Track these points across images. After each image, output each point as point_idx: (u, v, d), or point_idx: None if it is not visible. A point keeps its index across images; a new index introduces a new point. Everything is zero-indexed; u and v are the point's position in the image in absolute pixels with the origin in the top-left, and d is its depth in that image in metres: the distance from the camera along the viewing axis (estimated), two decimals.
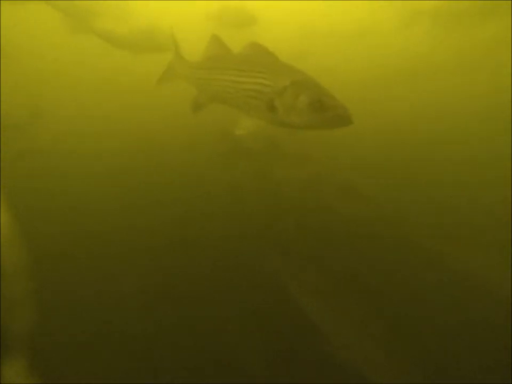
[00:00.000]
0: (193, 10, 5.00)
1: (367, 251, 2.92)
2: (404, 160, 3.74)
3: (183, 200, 3.31)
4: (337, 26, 5.51)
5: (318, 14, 5.62)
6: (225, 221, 3.12)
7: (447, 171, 3.63)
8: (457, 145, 3.93)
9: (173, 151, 3.76)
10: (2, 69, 4.09)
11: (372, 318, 2.45)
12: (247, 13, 5.04)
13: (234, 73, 1.96)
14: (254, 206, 3.27)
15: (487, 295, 2.56)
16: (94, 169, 3.57)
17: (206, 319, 2.48)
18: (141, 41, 3.71)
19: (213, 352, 2.32)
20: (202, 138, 3.80)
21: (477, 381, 2.10)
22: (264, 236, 3.02)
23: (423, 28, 4.91)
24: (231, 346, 2.37)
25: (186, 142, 3.82)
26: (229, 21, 4.89)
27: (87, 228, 3.05)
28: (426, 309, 2.51)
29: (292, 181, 3.50)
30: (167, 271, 2.76)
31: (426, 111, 4.54)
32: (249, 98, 1.88)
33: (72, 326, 2.32)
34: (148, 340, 2.39)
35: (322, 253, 2.87)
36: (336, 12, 5.54)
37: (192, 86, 2.27)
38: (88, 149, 3.80)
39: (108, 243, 2.92)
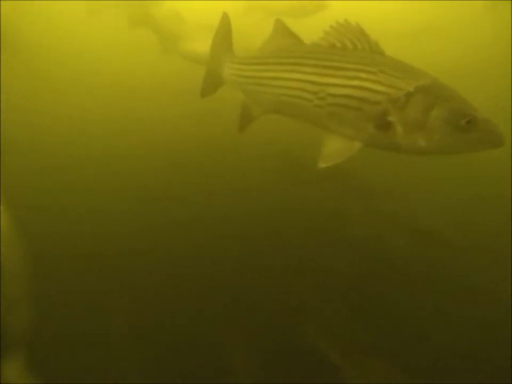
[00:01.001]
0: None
1: (367, 250, 2.92)
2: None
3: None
4: (406, 22, 4.80)
5: (381, 11, 4.87)
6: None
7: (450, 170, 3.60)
8: None
9: (216, 165, 3.57)
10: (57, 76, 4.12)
11: (371, 317, 2.46)
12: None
13: (315, 70, 1.32)
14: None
15: (487, 295, 2.56)
16: (97, 170, 3.56)
17: (208, 320, 2.48)
18: None
19: (213, 353, 2.33)
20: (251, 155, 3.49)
21: (477, 381, 2.10)
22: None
23: (500, 18, 4.30)
24: (233, 347, 2.38)
25: (231, 158, 3.56)
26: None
27: (88, 228, 3.05)
28: (426, 308, 2.51)
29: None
30: (170, 273, 2.76)
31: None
32: (342, 109, 1.27)
33: (72, 326, 2.32)
34: (148, 340, 2.39)
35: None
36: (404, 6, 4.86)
37: (242, 92, 1.57)
38: (93, 151, 3.79)
39: (108, 244, 2.92)
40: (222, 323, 2.47)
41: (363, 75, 1.25)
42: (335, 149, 1.31)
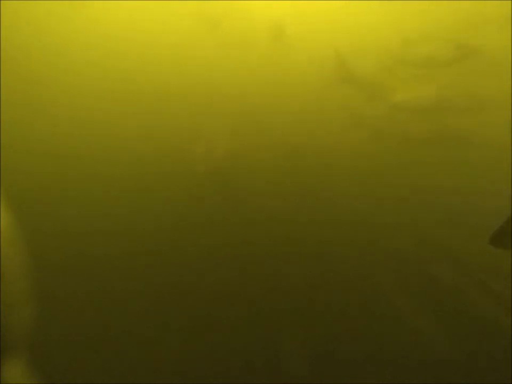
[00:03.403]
0: None
1: (369, 255, 2.91)
2: None
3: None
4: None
5: None
6: None
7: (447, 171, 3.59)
8: None
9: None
10: None
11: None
12: None
13: None
14: None
15: (487, 295, 2.56)
16: (97, 171, 3.56)
17: (205, 321, 2.48)
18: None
19: (215, 355, 2.32)
20: None
21: (477, 381, 2.10)
22: None
23: None
24: (231, 348, 2.37)
25: None
26: None
27: (88, 228, 3.05)
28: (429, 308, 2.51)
29: None
30: (173, 274, 2.76)
31: None
32: None
33: (72, 326, 2.32)
34: (148, 341, 2.38)
35: None
36: None
37: None
38: (93, 152, 3.79)
39: (109, 244, 2.92)
40: (225, 325, 2.47)
41: None
42: None
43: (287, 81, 4.28)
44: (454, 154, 3.39)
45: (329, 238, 3.03)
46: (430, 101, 3.63)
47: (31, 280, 1.24)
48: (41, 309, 1.33)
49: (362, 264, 2.85)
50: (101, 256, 2.80)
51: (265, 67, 4.26)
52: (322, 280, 2.72)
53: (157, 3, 4.70)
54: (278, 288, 2.67)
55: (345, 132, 3.94)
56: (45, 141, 3.86)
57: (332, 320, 2.45)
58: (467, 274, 2.71)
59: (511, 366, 2.09)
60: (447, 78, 3.63)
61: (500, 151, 3.14)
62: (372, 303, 2.55)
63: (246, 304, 2.55)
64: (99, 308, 2.46)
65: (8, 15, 4.19)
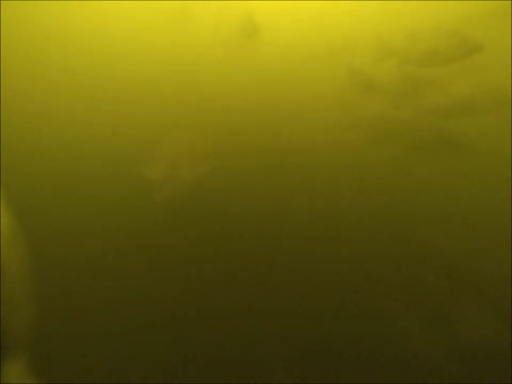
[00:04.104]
0: None
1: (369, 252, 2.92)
2: None
3: None
4: None
5: None
6: None
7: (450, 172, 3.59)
8: None
9: None
10: None
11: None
12: None
13: None
14: None
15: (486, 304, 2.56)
16: (98, 171, 3.56)
17: (204, 319, 2.48)
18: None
19: (217, 354, 2.33)
20: None
21: (476, 381, 2.10)
22: None
23: None
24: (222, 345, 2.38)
25: None
26: None
27: (88, 228, 3.05)
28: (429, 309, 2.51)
29: None
30: (174, 272, 2.76)
31: None
32: None
33: (72, 326, 2.32)
34: (149, 340, 2.39)
35: None
36: None
37: None
38: (92, 151, 3.79)
39: (109, 243, 2.92)
40: (227, 323, 2.47)
41: None
42: None
43: (271, 79, 4.26)
44: (460, 158, 3.34)
45: (325, 236, 3.02)
46: (443, 100, 3.55)
47: (31, 280, 1.24)
48: (41, 309, 1.33)
49: (357, 265, 2.85)
50: (101, 256, 2.80)
51: (247, 66, 4.23)
52: (317, 280, 2.73)
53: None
54: (277, 288, 2.67)
55: (341, 132, 3.93)
56: (45, 141, 3.86)
57: (325, 323, 2.45)
58: (466, 282, 2.70)
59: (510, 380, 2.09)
60: (457, 76, 3.55)
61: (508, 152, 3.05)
62: (367, 303, 2.55)
63: (240, 304, 2.55)
64: (99, 308, 2.46)
65: (8, 15, 4.19)
